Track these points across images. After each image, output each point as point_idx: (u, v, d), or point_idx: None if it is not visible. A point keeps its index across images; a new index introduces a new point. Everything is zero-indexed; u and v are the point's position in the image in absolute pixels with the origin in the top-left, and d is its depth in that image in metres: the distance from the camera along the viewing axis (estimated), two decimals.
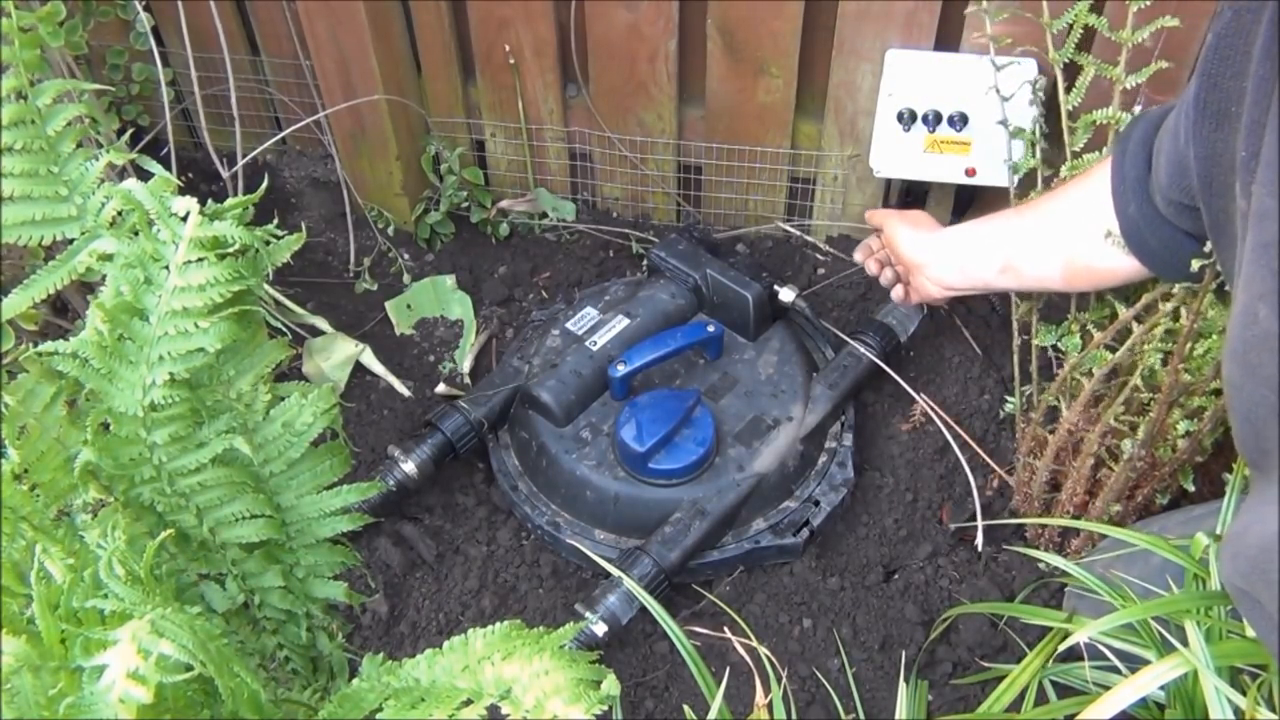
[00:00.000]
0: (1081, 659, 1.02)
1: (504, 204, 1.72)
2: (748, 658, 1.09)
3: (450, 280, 1.65)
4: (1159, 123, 0.95)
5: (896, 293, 1.40)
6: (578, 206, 1.72)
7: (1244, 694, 0.83)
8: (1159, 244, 0.96)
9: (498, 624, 0.90)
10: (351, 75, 1.54)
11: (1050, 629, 1.11)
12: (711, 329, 1.39)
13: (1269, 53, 0.64)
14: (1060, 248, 1.09)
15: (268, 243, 1.01)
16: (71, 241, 1.03)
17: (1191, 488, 1.15)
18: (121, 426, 0.99)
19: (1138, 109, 1.14)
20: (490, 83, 1.59)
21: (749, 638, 1.09)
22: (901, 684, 1.02)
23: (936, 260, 1.24)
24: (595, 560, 1.18)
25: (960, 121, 1.39)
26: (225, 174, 1.59)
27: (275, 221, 1.03)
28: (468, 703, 0.81)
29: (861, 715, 1.18)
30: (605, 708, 0.79)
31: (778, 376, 1.38)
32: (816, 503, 1.33)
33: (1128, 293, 1.11)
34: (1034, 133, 1.21)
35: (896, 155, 1.44)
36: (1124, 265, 1.02)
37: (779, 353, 1.41)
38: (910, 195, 1.62)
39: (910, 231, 1.28)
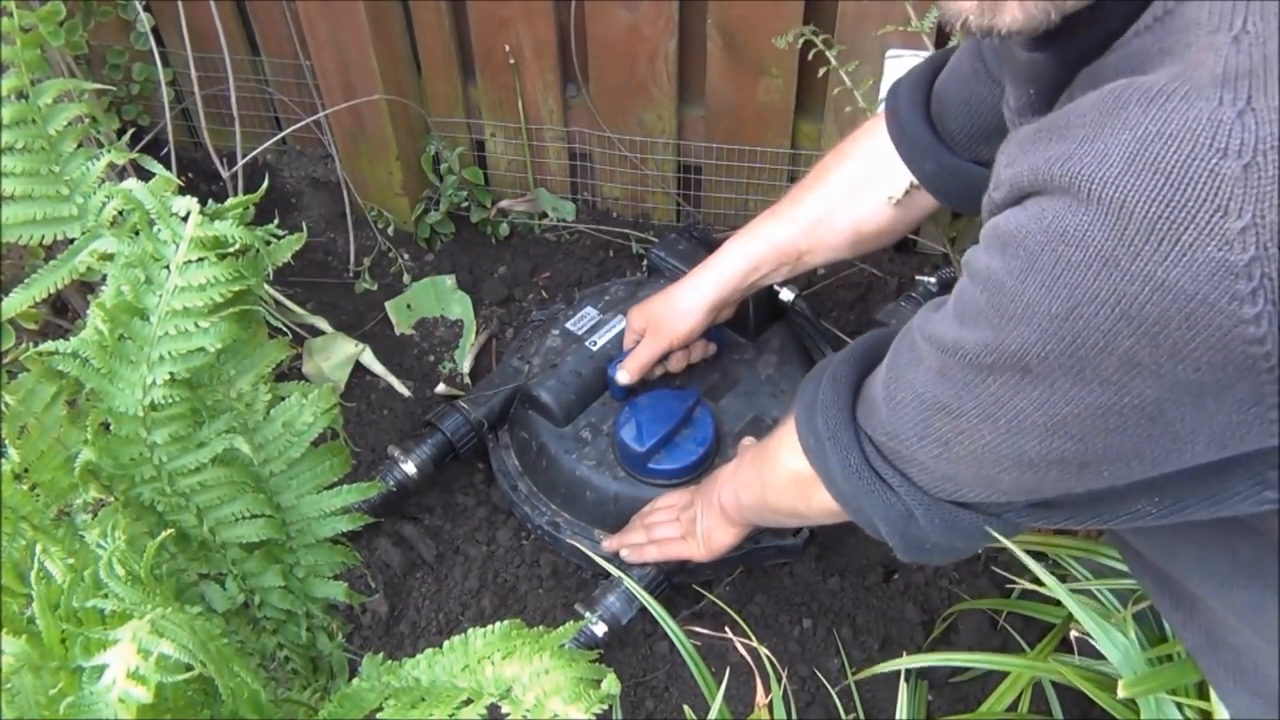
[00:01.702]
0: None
1: (504, 204, 1.72)
2: (748, 658, 1.09)
3: (450, 280, 1.65)
4: (923, 85, 1.04)
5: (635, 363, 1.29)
6: (578, 206, 1.72)
7: None
8: (962, 186, 1.02)
9: (498, 623, 0.90)
10: (351, 75, 1.54)
11: (1051, 627, 1.11)
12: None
13: None
14: (850, 226, 1.14)
15: (268, 242, 1.01)
16: (72, 241, 1.03)
17: None
18: (122, 426, 0.99)
19: None
20: (490, 83, 1.59)
21: (749, 638, 1.09)
22: (902, 684, 1.02)
23: (696, 294, 1.23)
24: (595, 560, 1.18)
25: None
26: (225, 174, 1.59)
27: (275, 221, 1.03)
28: (468, 702, 0.81)
29: (861, 715, 1.18)
30: (605, 707, 0.79)
31: (778, 376, 1.38)
32: None
33: None
34: None
35: None
36: (914, 214, 1.11)
37: (779, 353, 1.41)
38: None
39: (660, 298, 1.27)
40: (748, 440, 1.30)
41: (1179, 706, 0.91)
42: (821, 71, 1.30)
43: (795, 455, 0.90)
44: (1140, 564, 0.87)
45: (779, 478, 0.98)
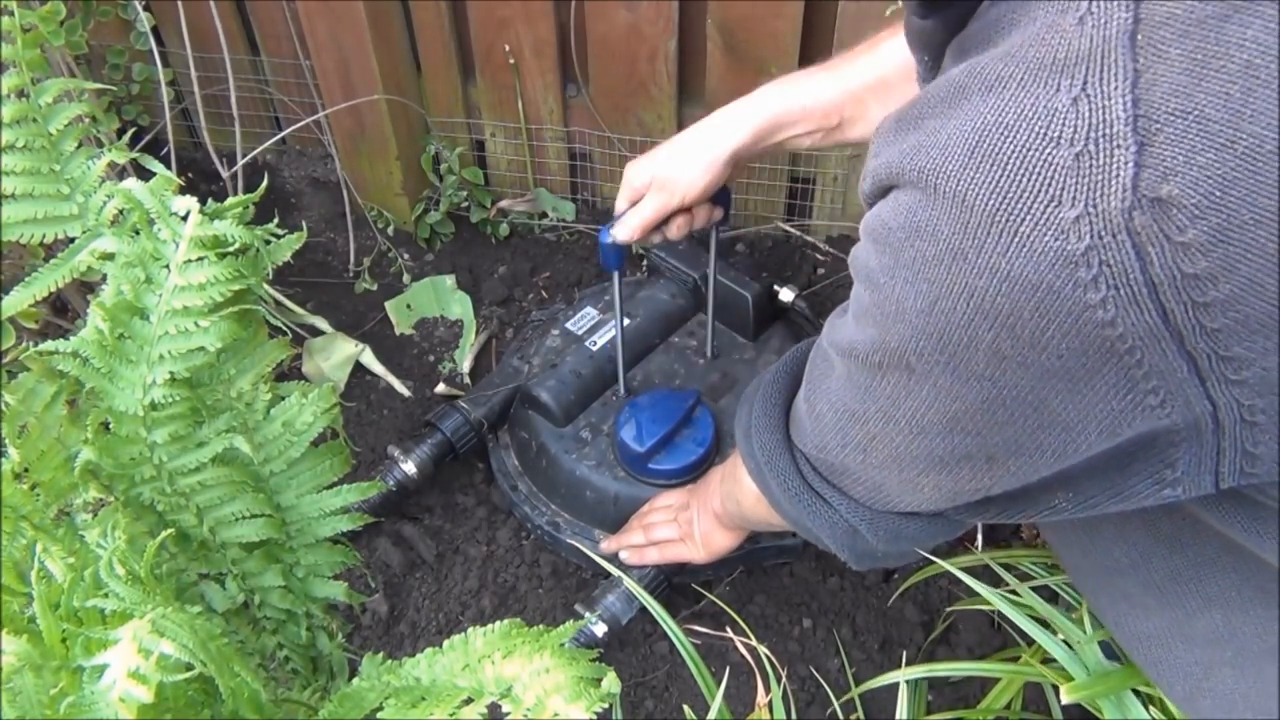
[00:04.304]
0: None
1: (504, 204, 1.72)
2: (748, 658, 1.09)
3: (450, 280, 1.65)
4: None
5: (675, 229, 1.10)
6: (578, 206, 1.72)
7: None
8: None
9: (498, 623, 0.90)
10: (351, 75, 1.54)
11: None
12: None
13: None
14: (908, 92, 1.00)
15: (268, 242, 1.01)
16: (72, 240, 1.03)
17: None
18: (122, 426, 0.99)
19: None
20: (490, 83, 1.59)
21: (749, 638, 1.09)
22: (902, 684, 1.02)
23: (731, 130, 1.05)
24: (595, 560, 1.18)
25: None
26: (225, 174, 1.59)
27: (275, 221, 1.03)
28: (468, 701, 0.81)
29: (861, 715, 1.18)
30: (605, 706, 0.79)
31: None
32: None
33: None
34: None
35: None
36: None
37: (779, 353, 1.41)
38: None
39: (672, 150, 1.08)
40: None
41: (1145, 702, 0.91)
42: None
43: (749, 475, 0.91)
44: (1069, 551, 0.89)
45: (746, 495, 0.98)
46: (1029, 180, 0.50)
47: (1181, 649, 0.81)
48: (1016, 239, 0.51)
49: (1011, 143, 0.50)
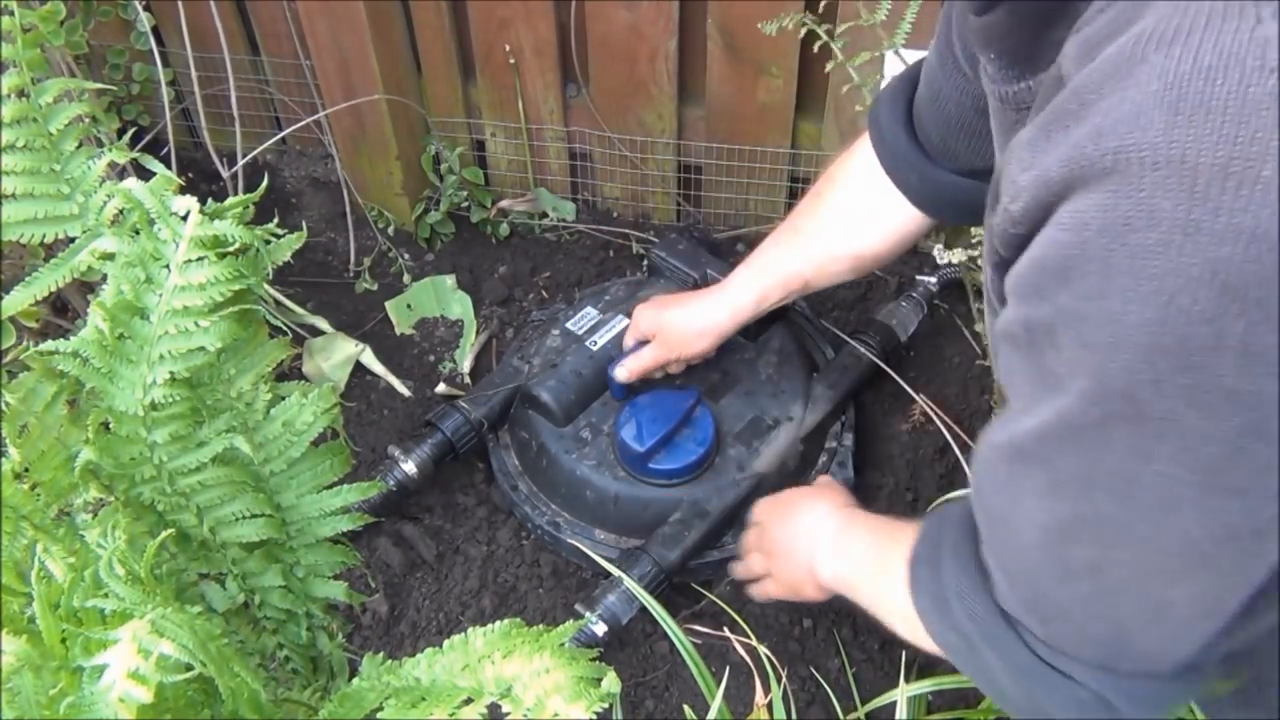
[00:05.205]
0: None
1: (504, 204, 1.72)
2: (748, 658, 1.09)
3: (450, 280, 1.65)
4: (904, 94, 1.00)
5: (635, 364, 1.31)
6: (578, 206, 1.72)
7: None
8: (946, 199, 1.01)
9: (498, 623, 0.90)
10: (351, 75, 1.54)
11: None
12: None
13: None
14: (849, 255, 1.13)
15: (268, 242, 1.01)
16: (72, 240, 1.03)
17: None
18: (122, 425, 0.99)
19: None
20: (490, 82, 1.59)
21: (749, 637, 1.09)
22: (902, 684, 1.02)
23: (710, 316, 1.24)
24: (595, 560, 1.18)
25: None
26: (225, 174, 1.60)
27: (275, 221, 1.03)
28: (468, 701, 0.81)
29: (861, 715, 1.17)
30: (605, 705, 0.79)
31: (778, 376, 1.38)
32: None
33: None
34: None
35: None
36: (911, 231, 1.08)
37: (779, 353, 1.41)
38: None
39: (669, 308, 1.29)
40: (824, 478, 1.30)
41: None
42: (828, 66, 1.30)
43: (913, 626, 0.78)
44: None
45: (895, 617, 0.84)
46: (1258, 119, 0.44)
47: None
48: (1260, 186, 0.44)
49: (1223, 84, 0.44)
